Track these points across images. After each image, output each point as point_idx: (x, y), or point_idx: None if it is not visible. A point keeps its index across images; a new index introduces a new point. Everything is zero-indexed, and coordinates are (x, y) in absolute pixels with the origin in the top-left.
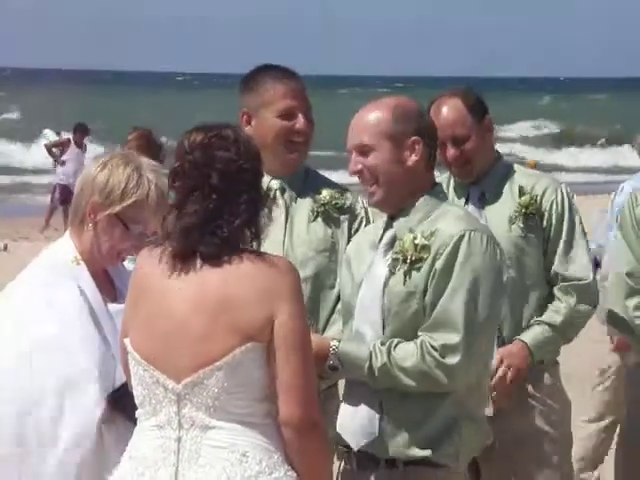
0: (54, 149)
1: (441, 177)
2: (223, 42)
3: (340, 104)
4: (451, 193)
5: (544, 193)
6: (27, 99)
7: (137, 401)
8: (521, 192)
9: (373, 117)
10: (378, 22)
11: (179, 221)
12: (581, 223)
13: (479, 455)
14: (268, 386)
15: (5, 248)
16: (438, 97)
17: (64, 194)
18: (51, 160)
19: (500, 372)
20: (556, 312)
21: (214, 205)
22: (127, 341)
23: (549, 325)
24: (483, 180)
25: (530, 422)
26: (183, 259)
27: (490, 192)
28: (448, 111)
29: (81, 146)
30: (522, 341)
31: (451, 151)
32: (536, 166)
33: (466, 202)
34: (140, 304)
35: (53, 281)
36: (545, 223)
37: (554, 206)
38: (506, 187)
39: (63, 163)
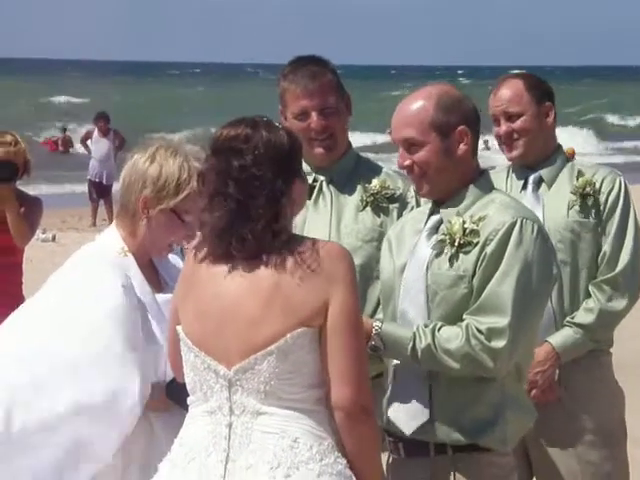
0: (88, 141)
1: (501, 168)
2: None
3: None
4: (509, 181)
5: (603, 181)
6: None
7: (189, 387)
8: (579, 174)
9: (419, 108)
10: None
11: (212, 223)
12: (635, 217)
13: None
14: (319, 372)
15: (53, 239)
16: (502, 78)
17: (98, 190)
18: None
19: (528, 384)
20: (589, 311)
21: (235, 210)
22: (179, 328)
23: (579, 326)
24: (541, 165)
25: (572, 416)
26: (226, 257)
27: (549, 176)
28: (506, 88)
29: (107, 133)
30: (550, 344)
31: (503, 127)
32: (574, 154)
33: (524, 187)
34: (191, 290)
35: (97, 277)
36: (600, 211)
37: (610, 196)
38: (565, 173)
39: (91, 158)
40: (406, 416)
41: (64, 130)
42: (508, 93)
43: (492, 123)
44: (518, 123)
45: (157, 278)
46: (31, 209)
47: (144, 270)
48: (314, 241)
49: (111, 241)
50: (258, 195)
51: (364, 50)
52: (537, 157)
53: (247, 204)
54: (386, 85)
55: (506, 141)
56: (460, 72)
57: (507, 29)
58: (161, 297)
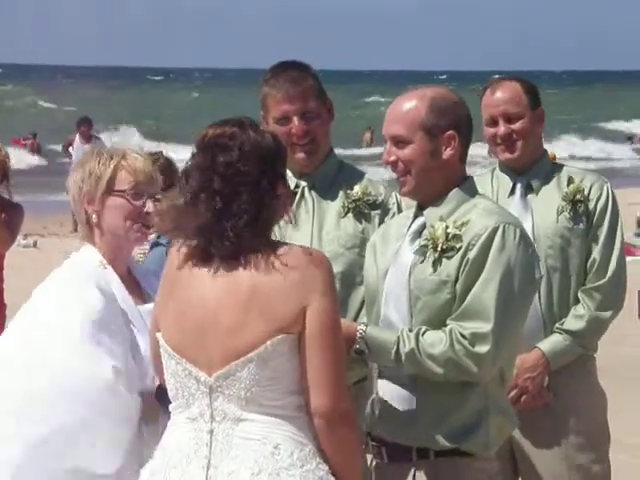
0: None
1: (483, 171)
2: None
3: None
4: (495, 184)
5: (591, 187)
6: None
7: (170, 394)
8: (569, 181)
9: (411, 107)
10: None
11: (194, 220)
12: (621, 224)
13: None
14: (300, 378)
15: (34, 245)
16: (496, 80)
17: None
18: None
19: (515, 391)
20: (578, 318)
21: (219, 207)
22: (159, 335)
23: (569, 333)
24: (530, 170)
25: (560, 419)
26: (206, 258)
27: (537, 183)
28: (504, 90)
29: (89, 139)
30: (540, 350)
31: (502, 128)
32: (555, 159)
33: (511, 193)
34: (171, 298)
35: (78, 292)
36: (589, 217)
37: (599, 203)
38: (553, 179)
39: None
40: (390, 420)
41: (34, 135)
42: (507, 95)
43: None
44: (518, 125)
45: (139, 289)
46: (12, 215)
47: (125, 282)
48: (292, 246)
49: (89, 255)
50: (242, 191)
51: (341, 54)
52: (526, 162)
53: (231, 200)
54: (360, 91)
55: (504, 142)
56: (443, 77)
57: (492, 34)
58: (143, 308)
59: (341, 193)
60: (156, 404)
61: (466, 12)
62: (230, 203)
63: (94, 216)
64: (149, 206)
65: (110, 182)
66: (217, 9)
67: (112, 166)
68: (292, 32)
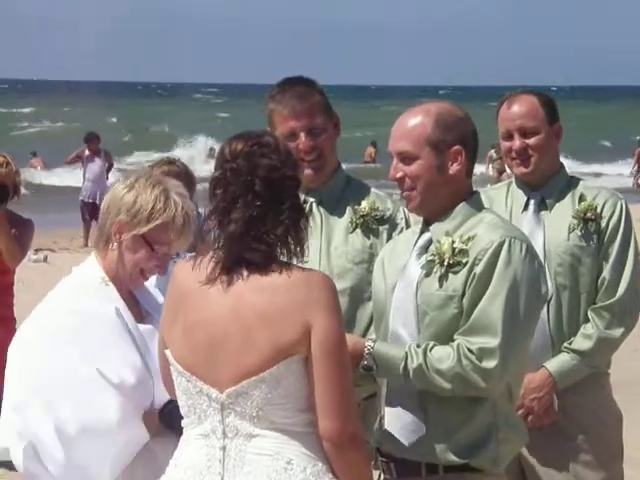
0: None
1: (500, 184)
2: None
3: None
4: (509, 200)
5: (604, 205)
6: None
7: (182, 411)
8: (581, 199)
9: (417, 123)
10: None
11: (224, 229)
12: (635, 243)
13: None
14: (310, 396)
15: (45, 259)
16: (513, 93)
17: (91, 211)
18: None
19: (522, 411)
20: (587, 337)
21: (257, 213)
22: (168, 352)
23: (577, 352)
24: (545, 186)
25: (569, 438)
26: (228, 268)
27: (551, 199)
28: (521, 104)
29: (98, 153)
30: (547, 370)
31: (517, 142)
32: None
33: (525, 208)
34: (179, 315)
35: (85, 306)
36: (601, 235)
37: (612, 220)
38: (567, 196)
39: (84, 179)
40: (399, 436)
41: (34, 154)
42: (524, 109)
43: (501, 139)
44: (533, 140)
45: (138, 308)
46: (22, 230)
47: (125, 300)
48: (299, 268)
49: (92, 270)
50: (284, 198)
51: (342, 69)
52: (541, 177)
53: (272, 206)
54: (361, 105)
55: (519, 157)
56: (442, 92)
57: (491, 50)
58: (142, 327)
59: (349, 208)
60: (155, 421)
61: (466, 27)
62: (271, 209)
63: (115, 244)
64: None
65: (150, 232)
66: (220, 23)
67: (161, 219)
68: (292, 47)
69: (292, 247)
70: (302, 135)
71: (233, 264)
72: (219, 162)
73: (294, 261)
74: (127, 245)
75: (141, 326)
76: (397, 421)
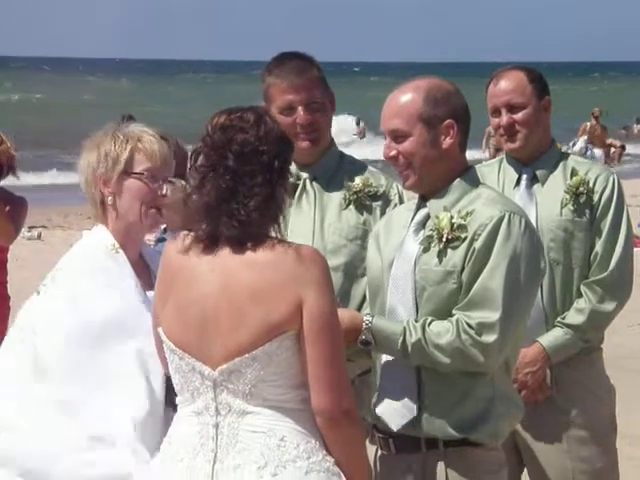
0: None
1: (492, 161)
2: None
3: None
4: (501, 176)
5: (597, 179)
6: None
7: (176, 389)
8: (573, 174)
9: (407, 100)
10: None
11: (198, 202)
12: (628, 217)
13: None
14: (303, 373)
15: (39, 236)
16: (501, 70)
17: None
18: None
19: (515, 386)
20: (580, 312)
21: (227, 185)
22: (160, 330)
23: (570, 327)
24: (536, 162)
25: (562, 412)
26: (208, 243)
27: (543, 174)
28: (508, 80)
29: None
30: (540, 344)
31: (504, 118)
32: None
33: (517, 184)
34: (170, 293)
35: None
36: (593, 210)
37: (604, 194)
38: (559, 170)
39: None
40: (395, 412)
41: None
42: (511, 84)
43: (490, 115)
44: (520, 115)
45: (149, 275)
46: (16, 208)
47: (135, 267)
48: (289, 244)
49: (101, 238)
50: (257, 172)
51: (330, 46)
52: (532, 152)
53: (243, 180)
54: (347, 83)
55: (507, 132)
56: (443, 69)
57: (488, 25)
58: (151, 294)
59: (342, 185)
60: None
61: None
62: (242, 183)
63: (110, 198)
64: (165, 189)
65: (127, 164)
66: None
67: (129, 148)
68: (286, 25)
69: (270, 222)
70: (300, 109)
71: (212, 238)
72: (202, 135)
73: None
74: (119, 190)
75: (150, 293)
76: (393, 398)
